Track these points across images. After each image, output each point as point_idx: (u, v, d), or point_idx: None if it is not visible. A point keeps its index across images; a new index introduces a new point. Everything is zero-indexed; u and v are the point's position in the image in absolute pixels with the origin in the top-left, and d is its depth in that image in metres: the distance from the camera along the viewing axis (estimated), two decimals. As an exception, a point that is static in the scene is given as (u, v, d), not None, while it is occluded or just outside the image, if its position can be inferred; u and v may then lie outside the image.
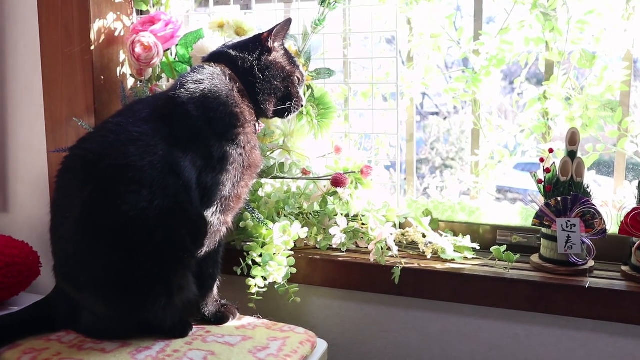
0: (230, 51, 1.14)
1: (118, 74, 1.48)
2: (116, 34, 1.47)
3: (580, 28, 1.30)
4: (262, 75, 1.14)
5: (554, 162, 1.21)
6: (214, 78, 1.08)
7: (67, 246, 1.04)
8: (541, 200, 1.22)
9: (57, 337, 1.08)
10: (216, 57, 1.15)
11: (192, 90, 1.05)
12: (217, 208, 1.06)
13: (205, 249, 1.07)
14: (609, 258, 1.24)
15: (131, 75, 1.49)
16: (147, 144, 1.01)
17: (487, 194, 1.45)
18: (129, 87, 1.49)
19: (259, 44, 1.16)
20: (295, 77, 1.17)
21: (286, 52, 1.19)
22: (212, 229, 1.06)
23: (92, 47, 1.42)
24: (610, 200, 1.32)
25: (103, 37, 1.44)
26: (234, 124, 1.07)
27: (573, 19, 1.30)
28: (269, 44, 1.16)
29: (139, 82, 1.45)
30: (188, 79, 1.08)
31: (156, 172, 0.99)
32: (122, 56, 1.49)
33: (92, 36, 1.41)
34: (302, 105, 1.20)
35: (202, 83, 1.07)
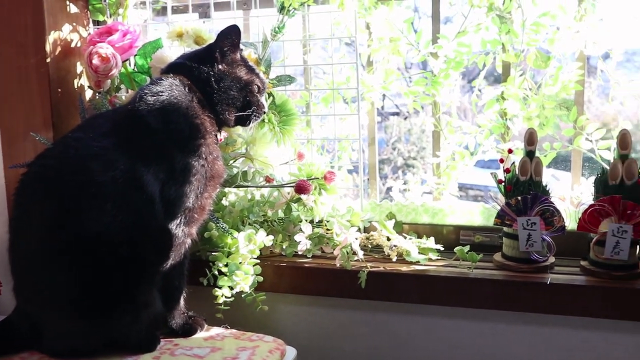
0: (187, 62, 1.13)
1: (75, 86, 1.46)
2: (72, 45, 1.45)
3: (535, 30, 1.33)
4: (218, 85, 1.13)
5: (513, 162, 1.24)
6: (172, 89, 1.08)
7: (28, 264, 1.02)
8: (502, 199, 1.24)
9: (20, 358, 1.05)
10: (175, 68, 1.14)
11: (151, 102, 1.05)
12: (181, 220, 1.05)
13: (170, 262, 1.06)
14: (569, 253, 1.27)
15: (89, 87, 1.47)
16: (108, 158, 0.99)
17: (450, 195, 1.47)
18: (87, 99, 1.47)
19: (211, 54, 1.14)
20: (255, 86, 1.17)
21: (243, 60, 1.18)
22: (176, 242, 1.06)
23: (48, 60, 1.39)
24: (568, 197, 1.35)
25: (59, 49, 1.42)
26: (195, 135, 1.07)
27: (528, 21, 1.33)
28: (217, 54, 1.13)
29: (97, 94, 1.43)
30: (147, 91, 1.07)
31: (119, 187, 0.98)
32: (80, 68, 1.47)
33: (48, 48, 1.39)
34: (264, 113, 1.20)
35: (161, 95, 1.06)
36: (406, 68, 1.59)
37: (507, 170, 1.23)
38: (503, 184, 1.23)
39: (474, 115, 1.51)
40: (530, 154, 1.22)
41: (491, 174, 1.25)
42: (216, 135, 1.13)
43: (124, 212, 0.98)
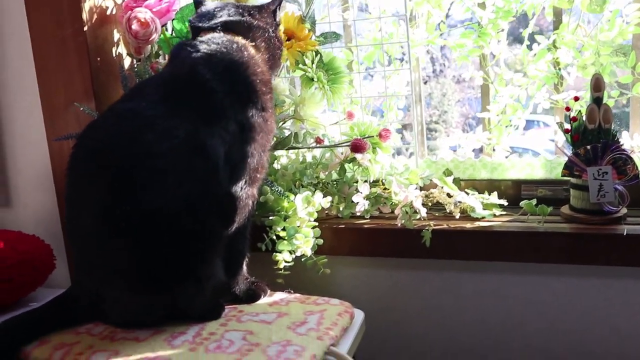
0: (240, 17, 1.09)
1: (114, 54, 1.42)
2: (108, 12, 1.40)
3: (588, -29, 1.26)
4: (272, 42, 1.12)
5: (579, 110, 1.18)
6: (231, 47, 1.03)
7: (85, 242, 0.98)
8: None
9: (86, 329, 1.03)
10: (225, 25, 1.09)
11: (209, 62, 1.00)
12: (245, 181, 1.01)
13: (235, 226, 1.03)
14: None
15: (128, 54, 1.42)
16: (165, 127, 0.94)
17: (502, 150, 1.42)
18: (126, 67, 1.43)
19: (267, 11, 1.13)
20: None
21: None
22: (241, 204, 1.02)
23: (85, 28, 1.35)
24: (628, 147, 1.29)
25: (95, 16, 1.37)
26: (258, 92, 1.03)
27: (581, -39, 1.26)
28: (276, 10, 1.14)
29: (137, 61, 1.38)
30: (202, 50, 1.02)
31: (179, 156, 0.93)
32: (117, 35, 1.42)
33: (84, 17, 1.34)
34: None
35: (218, 53, 1.01)
36: (448, 26, 1.52)
37: (574, 119, 1.17)
38: (570, 133, 1.18)
39: (525, 67, 1.45)
40: (597, 101, 1.16)
41: (557, 123, 1.20)
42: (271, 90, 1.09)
43: (187, 183, 0.93)
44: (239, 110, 1.01)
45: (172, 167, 0.92)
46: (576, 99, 1.19)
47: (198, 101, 0.98)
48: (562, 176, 1.18)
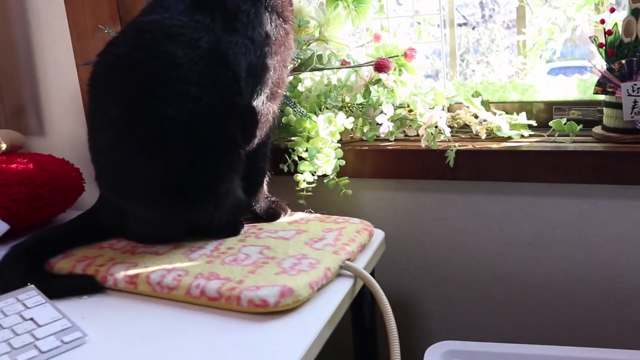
0: None
1: (139, -22, 1.41)
2: None
3: None
4: None
5: (615, 23, 1.11)
6: None
7: (108, 158, 0.99)
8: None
9: (108, 244, 1.06)
10: None
11: None
12: (267, 96, 1.01)
13: (256, 141, 1.03)
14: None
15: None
16: (189, 38, 0.93)
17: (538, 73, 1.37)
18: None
19: None
20: None
21: None
22: (262, 119, 1.02)
23: (111, -49, 1.34)
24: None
25: (122, -61, 1.36)
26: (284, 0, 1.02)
27: None
28: None
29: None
30: None
31: (202, 66, 0.92)
32: (142, -41, 1.41)
33: (110, -61, 1.33)
34: None
35: None
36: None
37: (608, 32, 1.11)
38: (604, 47, 1.12)
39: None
40: (635, 12, 1.09)
41: (590, 37, 1.14)
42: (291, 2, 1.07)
43: (209, 93, 0.93)
44: (263, 19, 0.99)
45: (196, 78, 0.92)
46: (612, 10, 1.12)
47: (223, 10, 0.97)
48: (594, 94, 1.12)
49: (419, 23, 1.36)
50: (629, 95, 1.08)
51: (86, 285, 0.94)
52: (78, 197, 1.30)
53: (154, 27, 0.95)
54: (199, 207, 0.99)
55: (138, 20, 1.01)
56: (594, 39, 1.13)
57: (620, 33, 1.10)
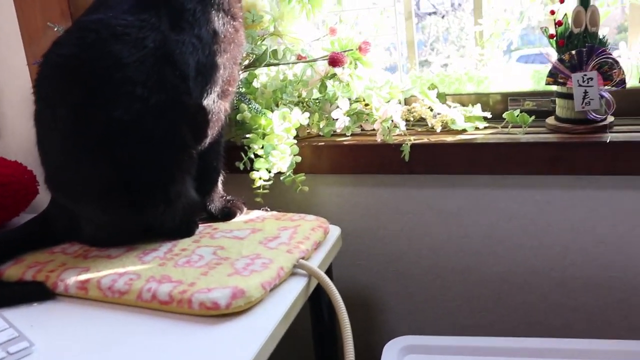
0: None
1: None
2: None
3: None
4: None
5: (565, 14, 1.12)
6: None
7: (56, 159, 0.98)
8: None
9: (61, 249, 1.04)
10: None
11: None
12: (217, 94, 1.00)
13: (208, 140, 1.02)
14: (630, 113, 1.17)
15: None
16: (135, 38, 0.91)
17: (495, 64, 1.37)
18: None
19: None
20: None
21: None
22: (213, 117, 1.01)
23: (59, -52, 1.31)
24: (625, 58, 1.23)
25: None
26: None
27: None
28: None
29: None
30: None
31: (149, 66, 0.91)
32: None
33: None
34: None
35: None
36: None
37: (559, 23, 1.12)
38: (555, 38, 1.12)
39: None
40: (584, 3, 1.10)
41: (541, 28, 1.14)
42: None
43: (157, 93, 0.91)
44: (210, 17, 0.97)
45: (143, 78, 0.91)
46: (562, 1, 1.12)
47: (169, 9, 0.95)
48: (546, 84, 1.13)
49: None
50: (580, 85, 1.08)
51: (36, 293, 0.92)
52: (32, 200, 1.28)
53: (99, 26, 0.93)
54: (149, 208, 0.98)
55: (82, 20, 0.99)
56: (545, 30, 1.13)
57: (570, 24, 1.11)
